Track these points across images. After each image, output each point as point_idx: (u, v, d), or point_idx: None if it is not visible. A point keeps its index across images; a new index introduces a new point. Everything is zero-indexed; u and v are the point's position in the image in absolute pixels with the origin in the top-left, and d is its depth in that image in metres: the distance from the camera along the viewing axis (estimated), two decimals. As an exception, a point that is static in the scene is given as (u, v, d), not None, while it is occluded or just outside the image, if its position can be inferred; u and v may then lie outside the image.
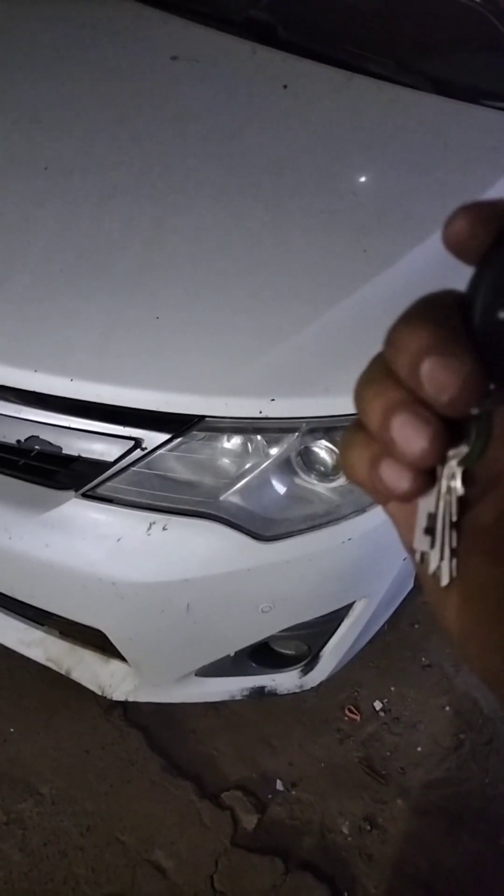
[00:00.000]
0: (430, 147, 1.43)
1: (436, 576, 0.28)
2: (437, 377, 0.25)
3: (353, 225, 1.28)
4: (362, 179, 1.41)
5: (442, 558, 0.28)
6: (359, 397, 0.28)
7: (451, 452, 0.27)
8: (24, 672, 1.60)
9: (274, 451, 1.12)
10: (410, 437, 0.26)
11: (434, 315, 0.26)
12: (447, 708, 1.69)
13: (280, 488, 1.14)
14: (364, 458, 0.28)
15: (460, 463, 0.27)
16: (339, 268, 1.21)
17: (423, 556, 0.29)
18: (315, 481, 1.14)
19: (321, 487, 1.14)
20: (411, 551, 0.30)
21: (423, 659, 1.76)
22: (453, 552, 0.28)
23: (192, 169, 1.36)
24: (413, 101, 1.52)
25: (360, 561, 1.18)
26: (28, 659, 1.40)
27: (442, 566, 0.28)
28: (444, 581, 0.28)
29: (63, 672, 1.38)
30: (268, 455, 1.12)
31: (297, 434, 1.10)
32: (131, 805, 1.47)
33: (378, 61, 1.56)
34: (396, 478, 0.27)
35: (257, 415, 1.08)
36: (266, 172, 1.36)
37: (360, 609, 1.28)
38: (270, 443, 1.12)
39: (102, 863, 1.39)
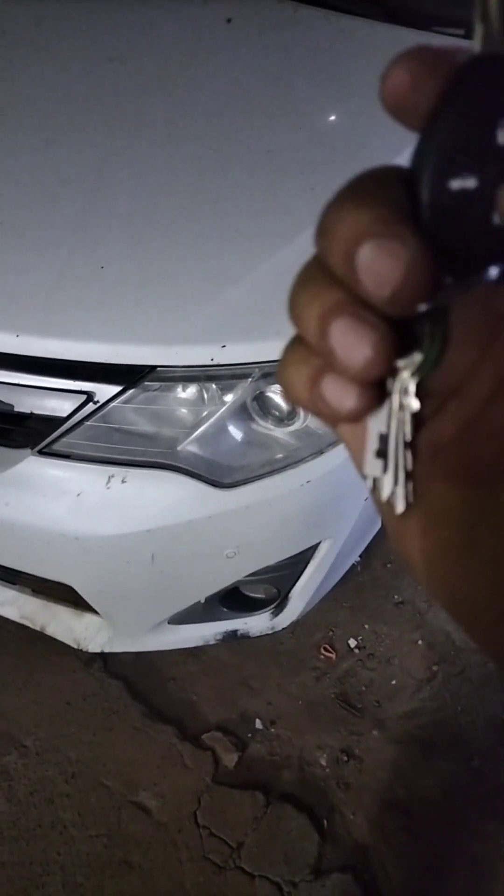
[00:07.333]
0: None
1: (390, 503, 0.25)
2: (376, 266, 0.20)
3: (301, 162, 1.25)
4: (311, 115, 1.37)
5: (396, 483, 0.25)
6: (292, 304, 0.24)
7: (401, 362, 0.23)
8: (2, 631, 1.62)
9: (229, 397, 1.11)
10: (352, 345, 0.22)
11: (372, 193, 0.21)
12: (420, 642, 1.73)
13: (237, 435, 1.14)
14: (303, 376, 0.24)
15: (413, 373, 0.23)
16: (286, 207, 1.19)
17: (376, 481, 0.26)
18: (272, 426, 1.14)
19: (278, 432, 1.14)
20: (364, 477, 0.27)
21: (396, 596, 1.80)
22: (409, 475, 0.25)
23: (133, 111, 1.32)
24: (363, 31, 1.47)
25: (321, 502, 1.19)
26: (5, 618, 1.41)
27: (396, 492, 0.25)
28: (400, 508, 0.25)
29: (38, 628, 1.40)
30: (223, 402, 1.11)
31: (250, 379, 1.10)
32: (114, 751, 1.51)
33: (325, -11, 1.51)
34: (340, 395, 0.23)
35: (209, 362, 1.07)
36: (210, 111, 1.32)
37: (326, 550, 1.30)
38: (225, 390, 1.11)
39: (88, 807, 1.44)
